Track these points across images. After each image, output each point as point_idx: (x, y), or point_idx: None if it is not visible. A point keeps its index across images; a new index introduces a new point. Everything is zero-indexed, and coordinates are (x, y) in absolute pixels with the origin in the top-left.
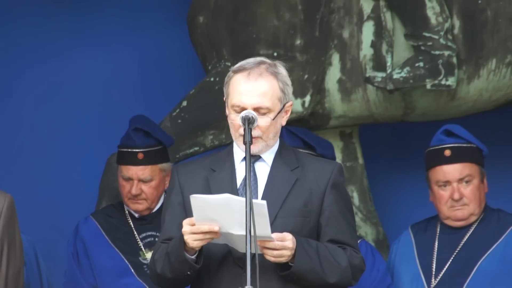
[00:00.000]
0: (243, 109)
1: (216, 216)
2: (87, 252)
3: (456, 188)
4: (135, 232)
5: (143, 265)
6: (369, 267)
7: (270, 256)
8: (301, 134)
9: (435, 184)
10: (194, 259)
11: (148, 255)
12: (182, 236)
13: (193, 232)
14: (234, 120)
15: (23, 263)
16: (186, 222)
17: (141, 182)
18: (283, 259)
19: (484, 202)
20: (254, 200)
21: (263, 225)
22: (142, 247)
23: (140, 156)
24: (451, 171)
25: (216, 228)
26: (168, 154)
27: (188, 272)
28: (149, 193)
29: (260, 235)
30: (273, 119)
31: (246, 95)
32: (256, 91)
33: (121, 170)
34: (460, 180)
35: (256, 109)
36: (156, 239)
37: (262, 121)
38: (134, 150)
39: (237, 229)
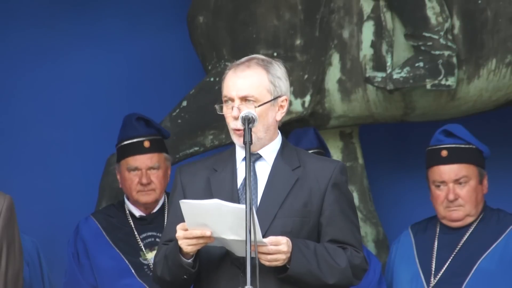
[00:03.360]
0: (231, 99)
1: (206, 221)
2: (87, 252)
3: (452, 188)
4: (136, 232)
5: (143, 265)
6: None
7: (265, 260)
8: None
9: (432, 183)
10: (191, 263)
11: (149, 255)
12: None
13: (186, 237)
14: (226, 113)
15: (22, 264)
16: (179, 227)
17: (149, 171)
18: (278, 263)
19: (482, 203)
20: (241, 206)
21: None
22: (142, 247)
23: (147, 144)
24: (447, 171)
25: (208, 233)
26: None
27: (185, 276)
28: (158, 182)
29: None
30: (257, 107)
31: (234, 85)
32: (242, 81)
33: (127, 162)
34: (456, 181)
35: (243, 99)
36: (157, 239)
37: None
38: (140, 139)
39: (229, 234)
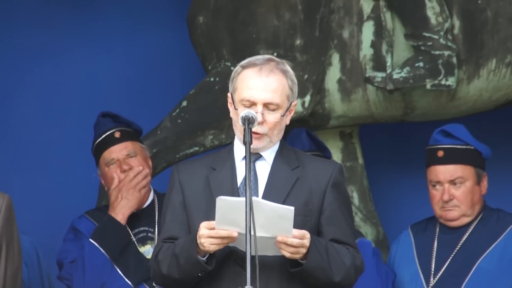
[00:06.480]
0: (253, 103)
1: (238, 217)
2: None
3: (447, 189)
4: (128, 228)
5: None
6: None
7: (287, 251)
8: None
9: (429, 183)
10: (206, 261)
11: (141, 249)
12: (194, 238)
13: (211, 236)
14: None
15: (21, 263)
16: (204, 226)
17: (127, 159)
18: (297, 256)
19: (479, 204)
20: (283, 206)
21: (286, 229)
22: (135, 242)
23: (117, 134)
24: (443, 172)
25: (235, 234)
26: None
27: (199, 274)
28: (136, 166)
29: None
30: (283, 115)
31: (257, 90)
32: (267, 86)
33: (104, 157)
34: (451, 182)
35: (266, 105)
36: (149, 234)
37: (271, 117)
38: (110, 131)
39: (258, 231)
